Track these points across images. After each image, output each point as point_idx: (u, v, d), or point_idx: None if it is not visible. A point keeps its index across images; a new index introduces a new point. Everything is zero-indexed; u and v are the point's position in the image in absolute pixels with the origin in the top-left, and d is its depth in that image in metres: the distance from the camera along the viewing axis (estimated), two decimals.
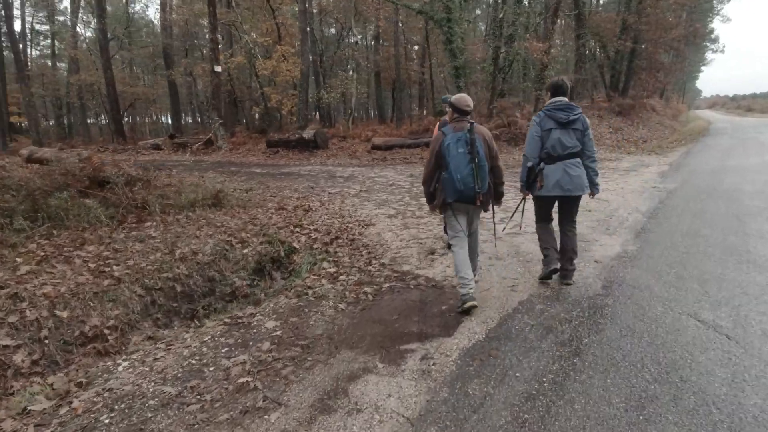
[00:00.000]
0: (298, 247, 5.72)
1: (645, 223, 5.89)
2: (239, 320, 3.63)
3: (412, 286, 4.14)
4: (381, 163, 13.98)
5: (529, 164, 3.76)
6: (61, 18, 35.96)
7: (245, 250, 5.67)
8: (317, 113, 22.77)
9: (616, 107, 19.36)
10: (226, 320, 3.72)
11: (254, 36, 20.25)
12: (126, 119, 42.46)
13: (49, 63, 36.65)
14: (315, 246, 5.64)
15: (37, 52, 41.29)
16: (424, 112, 25.10)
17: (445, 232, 4.62)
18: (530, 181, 3.80)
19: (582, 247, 4.87)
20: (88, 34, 35.54)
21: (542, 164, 3.68)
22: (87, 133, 30.29)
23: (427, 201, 3.74)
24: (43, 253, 4.90)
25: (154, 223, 6.09)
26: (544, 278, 3.97)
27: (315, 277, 4.59)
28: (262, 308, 3.90)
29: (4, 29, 25.93)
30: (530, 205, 4.14)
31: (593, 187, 3.82)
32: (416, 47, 27.82)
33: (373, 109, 32.87)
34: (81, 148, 22.34)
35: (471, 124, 3.35)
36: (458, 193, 3.32)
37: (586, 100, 21.84)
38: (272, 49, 20.46)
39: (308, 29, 20.03)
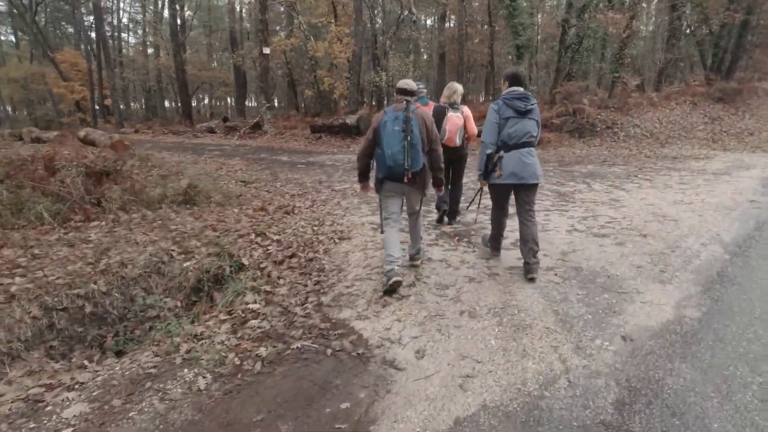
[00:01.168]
0: (247, 264, 4.54)
1: (726, 263, 3.92)
2: (38, 398, 2.48)
3: (329, 352, 2.77)
4: None
5: (488, 151, 3.62)
6: (151, 7, 37.86)
7: (186, 263, 4.59)
8: (373, 98, 21.45)
9: (716, 92, 15.79)
10: (30, 390, 2.59)
11: (307, 18, 19.24)
12: (201, 102, 44.49)
13: (142, 50, 39.00)
14: (263, 265, 4.42)
15: (135, 40, 44.22)
16: (490, 96, 22.78)
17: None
18: (488, 170, 3.66)
19: (612, 301, 3.17)
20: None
21: (501, 152, 3.57)
22: (164, 115, 31.65)
23: (359, 178, 3.74)
24: None
25: (103, 223, 5.23)
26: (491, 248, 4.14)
27: (220, 318, 3.38)
28: (92, 376, 2.73)
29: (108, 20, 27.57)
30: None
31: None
32: (485, 27, 25.31)
33: (437, 94, 30.92)
34: (148, 129, 23.14)
35: (407, 104, 3.36)
36: (388, 169, 3.38)
37: (677, 83, 18.25)
38: (327, 29, 19.38)
39: (363, 8, 18.63)
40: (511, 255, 4.17)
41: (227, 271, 4.51)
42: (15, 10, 33.80)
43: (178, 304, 4.37)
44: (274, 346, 2.86)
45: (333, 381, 2.50)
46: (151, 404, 2.32)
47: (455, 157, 4.71)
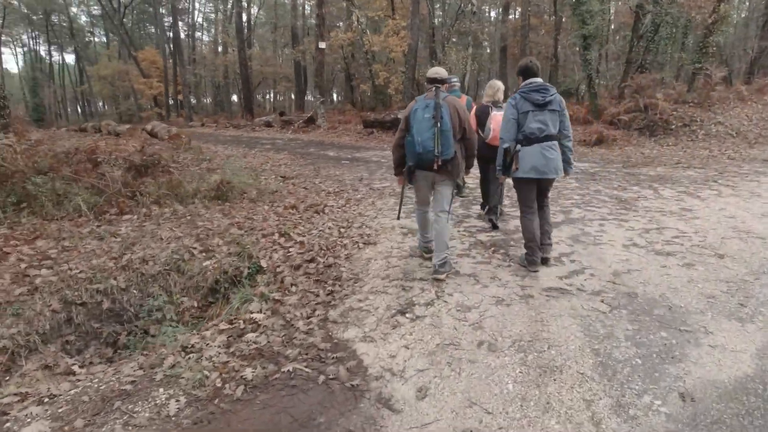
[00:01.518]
0: (265, 266, 4.31)
1: None
2: (5, 410, 2.33)
3: (321, 380, 2.42)
4: None
5: (505, 146, 3.54)
6: (221, 7, 39.59)
7: (206, 263, 4.45)
8: None
9: None
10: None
11: (364, 12, 18.98)
12: (266, 96, 45.92)
13: (213, 48, 40.96)
14: (280, 269, 4.17)
15: (208, 38, 46.54)
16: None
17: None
18: (506, 165, 3.58)
19: (671, 342, 2.55)
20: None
21: (518, 146, 3.49)
22: (230, 110, 32.99)
23: (394, 167, 3.73)
24: None
25: (135, 217, 5.24)
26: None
27: (219, 328, 3.14)
28: (70, 387, 2.55)
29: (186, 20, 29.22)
30: None
31: (568, 167, 3.63)
32: (551, 17, 23.75)
33: None
34: (213, 122, 24.10)
35: (436, 91, 3.34)
36: (417, 156, 3.34)
37: None
38: (384, 23, 19.02)
39: (422, 0, 18.05)
40: (552, 273, 3.59)
41: (245, 273, 4.32)
42: (107, 13, 36.77)
43: (195, 304, 4.25)
44: (264, 367, 2.56)
45: (316, 418, 2.15)
46: (113, 429, 2.09)
47: (495, 157, 4.41)
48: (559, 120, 3.48)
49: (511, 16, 25.84)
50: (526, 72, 3.53)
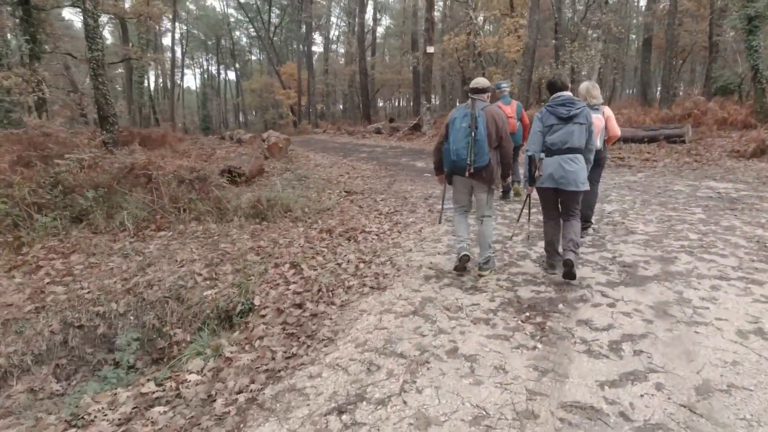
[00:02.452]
0: (257, 305, 3.75)
1: None
2: None
3: None
4: None
5: (529, 153, 3.51)
6: (350, 21, 41.46)
7: (207, 292, 4.08)
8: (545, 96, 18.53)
9: None
10: None
11: (482, 12, 17.65)
12: (388, 102, 46.71)
13: (345, 59, 43.19)
14: (264, 312, 3.56)
15: (342, 50, 49.35)
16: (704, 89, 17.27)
17: None
18: (532, 175, 3.50)
19: None
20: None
21: (542, 155, 3.45)
22: (353, 116, 34.21)
23: (435, 168, 3.88)
24: (22, 259, 4.53)
25: (170, 233, 5.16)
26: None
27: (140, 391, 2.61)
28: None
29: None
30: None
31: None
32: None
33: (633, 87, 25.39)
34: (332, 129, 25.05)
35: (474, 101, 3.47)
36: (452, 163, 3.52)
37: None
38: (500, 23, 17.47)
39: None
40: (592, 370, 2.30)
41: (237, 310, 3.81)
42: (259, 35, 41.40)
43: (188, 338, 3.88)
44: None
45: None
46: None
47: (596, 160, 4.05)
48: (587, 132, 3.43)
49: (663, 4, 21.74)
50: (553, 87, 3.55)
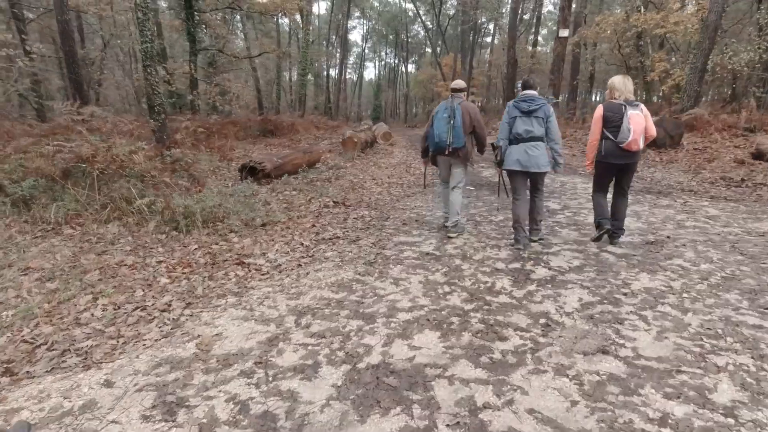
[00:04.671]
0: None
1: None
2: None
3: None
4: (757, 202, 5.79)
5: (497, 143, 4.14)
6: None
7: None
8: (726, 88, 12.80)
9: None
10: None
11: None
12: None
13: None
14: None
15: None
16: None
17: None
18: (499, 158, 4.15)
19: None
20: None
21: (503, 142, 4.08)
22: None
23: (421, 154, 4.78)
24: None
25: (76, 232, 4.75)
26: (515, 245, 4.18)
27: None
28: None
29: None
30: None
31: (556, 166, 4.04)
32: None
33: None
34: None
35: (452, 98, 4.31)
36: (435, 144, 4.32)
37: None
38: None
39: None
40: None
41: None
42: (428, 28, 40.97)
43: None
44: None
45: None
46: None
47: (631, 164, 3.93)
48: (546, 126, 3.95)
49: None
50: (525, 85, 4.10)
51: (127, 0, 14.23)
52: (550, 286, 3.33)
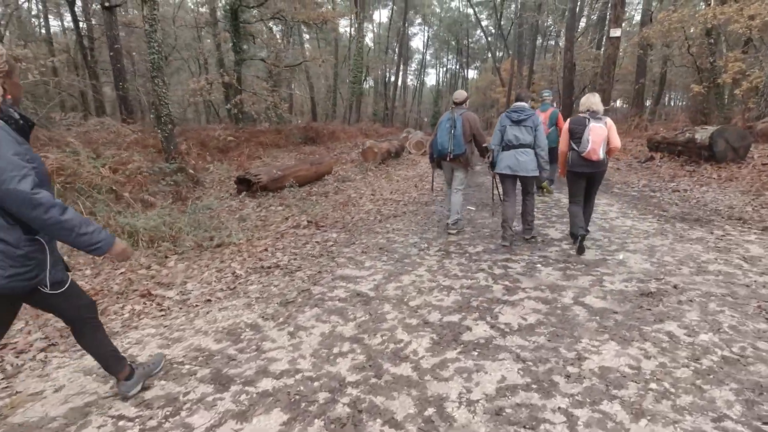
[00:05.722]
0: None
1: None
2: None
3: None
4: None
5: (486, 146, 4.59)
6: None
7: None
8: None
9: None
10: None
11: None
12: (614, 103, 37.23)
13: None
14: None
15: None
16: None
17: None
18: (492, 163, 4.49)
19: None
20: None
21: (496, 148, 4.42)
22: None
23: (429, 159, 5.04)
24: None
25: None
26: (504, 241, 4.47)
27: None
28: None
29: None
30: None
31: (541, 171, 4.35)
32: None
33: None
34: None
35: (453, 109, 4.65)
36: (438, 151, 4.67)
37: None
38: None
39: None
40: None
41: None
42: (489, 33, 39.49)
43: None
44: None
45: None
46: None
47: (596, 173, 4.18)
48: (534, 134, 4.28)
49: None
50: (517, 98, 4.50)
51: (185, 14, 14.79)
52: (476, 353, 2.56)
